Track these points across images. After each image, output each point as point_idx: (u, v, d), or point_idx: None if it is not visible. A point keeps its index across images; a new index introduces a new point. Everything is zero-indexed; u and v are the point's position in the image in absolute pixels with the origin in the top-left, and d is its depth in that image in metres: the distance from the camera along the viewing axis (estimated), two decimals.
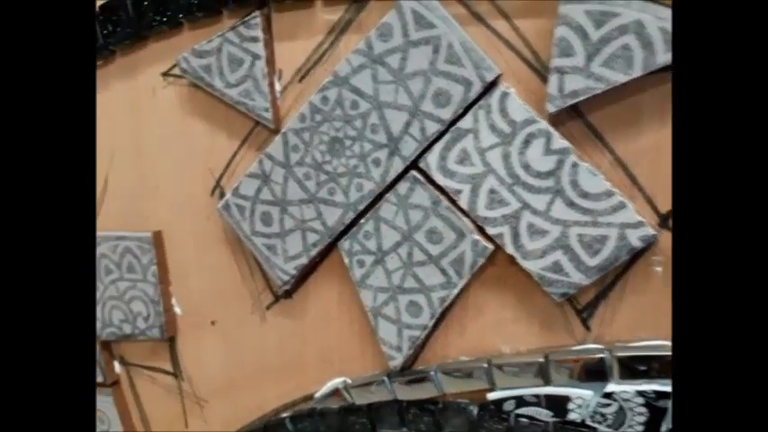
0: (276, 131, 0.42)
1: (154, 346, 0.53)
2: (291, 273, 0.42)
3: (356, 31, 0.39)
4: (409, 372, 0.41)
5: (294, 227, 0.42)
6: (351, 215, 0.40)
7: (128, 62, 0.48)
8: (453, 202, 0.37)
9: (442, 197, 0.37)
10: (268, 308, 0.46)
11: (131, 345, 0.55)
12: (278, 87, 0.42)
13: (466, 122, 0.36)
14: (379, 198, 0.39)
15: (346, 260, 0.40)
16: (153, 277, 0.50)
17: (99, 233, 0.51)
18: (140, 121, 0.48)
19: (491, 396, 0.38)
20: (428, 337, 0.40)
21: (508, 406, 0.38)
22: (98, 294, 0.53)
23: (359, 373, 0.44)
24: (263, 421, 0.49)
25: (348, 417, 0.44)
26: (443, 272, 0.37)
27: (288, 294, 0.45)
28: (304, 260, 0.42)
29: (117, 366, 0.56)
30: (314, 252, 0.41)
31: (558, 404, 0.37)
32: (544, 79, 0.36)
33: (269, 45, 0.41)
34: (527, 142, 0.35)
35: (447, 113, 0.36)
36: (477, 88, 0.35)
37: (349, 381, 0.44)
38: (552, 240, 0.35)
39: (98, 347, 0.55)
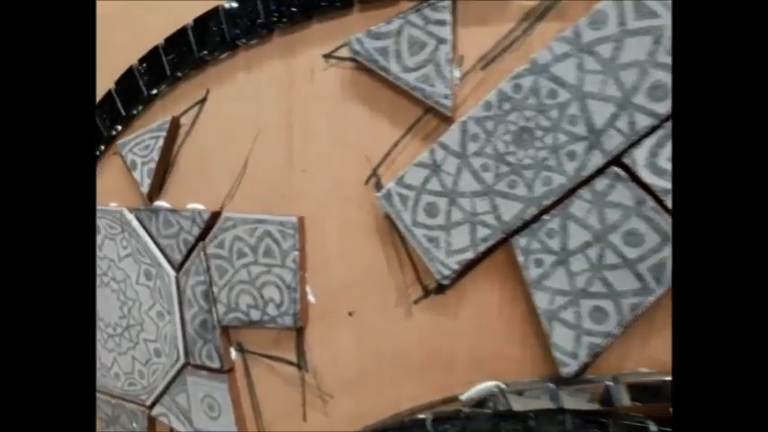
0: (450, 120, 0.40)
1: (277, 334, 0.51)
2: (453, 267, 0.40)
3: (555, 19, 0.36)
4: (581, 380, 0.38)
5: (462, 220, 0.39)
6: (532, 210, 0.37)
7: (286, 42, 0.46)
8: (660, 202, 0.34)
9: (647, 197, 0.34)
10: (416, 302, 0.44)
11: (251, 332, 0.53)
12: (456, 74, 0.40)
13: None
14: (568, 194, 0.36)
15: (521, 258, 0.38)
16: (293, 263, 0.48)
17: (234, 215, 0.49)
18: (293, 103, 0.46)
19: None
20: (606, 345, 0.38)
21: None
22: (226, 278, 0.51)
23: (513, 378, 0.42)
24: (396, 420, 0.46)
25: (500, 422, 0.42)
26: (639, 277, 0.35)
27: (440, 290, 0.43)
28: (470, 255, 0.39)
29: (233, 353, 0.55)
30: (483, 247, 0.39)
31: None
32: None
33: (453, 29, 0.39)
34: None
35: (663, 108, 0.33)
36: None
37: (503, 385, 0.42)
38: None
39: (218, 332, 0.53)
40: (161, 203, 0.54)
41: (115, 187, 0.58)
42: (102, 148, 0.58)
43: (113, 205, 0.58)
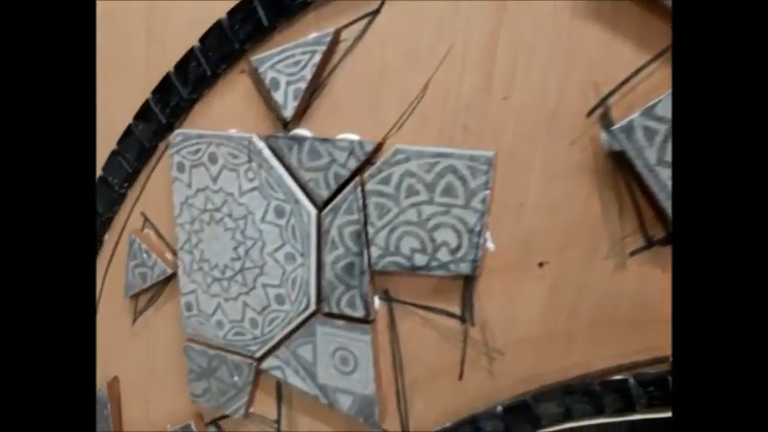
0: None
1: (437, 283, 0.46)
2: None
3: None
4: None
5: None
6: None
7: None
8: None
9: None
10: (632, 254, 0.39)
11: (402, 280, 0.47)
12: None
13: None
14: None
15: None
16: (481, 204, 0.42)
17: (408, 147, 0.42)
18: (505, 19, 0.39)
19: None
20: None
21: None
22: (387, 218, 0.45)
23: None
24: (583, 380, 0.42)
25: None
26: None
27: (668, 240, 0.38)
28: None
29: (376, 301, 0.49)
30: None
31: None
32: None
33: None
34: None
35: None
36: None
37: None
38: None
39: (367, 277, 0.47)
40: (301, 131, 0.47)
41: (239, 112, 0.50)
42: (224, 66, 0.49)
43: (233, 131, 0.50)
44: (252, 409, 0.58)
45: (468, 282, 0.44)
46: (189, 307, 0.56)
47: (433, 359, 0.47)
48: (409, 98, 0.43)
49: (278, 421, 0.57)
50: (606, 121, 0.37)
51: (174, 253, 0.57)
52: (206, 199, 0.52)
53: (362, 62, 0.44)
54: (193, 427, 0.61)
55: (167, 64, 0.51)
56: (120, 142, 0.56)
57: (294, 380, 0.52)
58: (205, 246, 0.53)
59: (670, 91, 0.34)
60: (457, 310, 0.45)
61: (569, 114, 0.38)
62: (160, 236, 0.58)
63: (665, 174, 0.35)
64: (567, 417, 0.43)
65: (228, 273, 0.53)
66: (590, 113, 0.38)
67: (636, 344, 0.40)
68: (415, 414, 0.49)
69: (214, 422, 0.62)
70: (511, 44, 0.39)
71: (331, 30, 0.43)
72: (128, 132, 0.55)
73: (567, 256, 0.40)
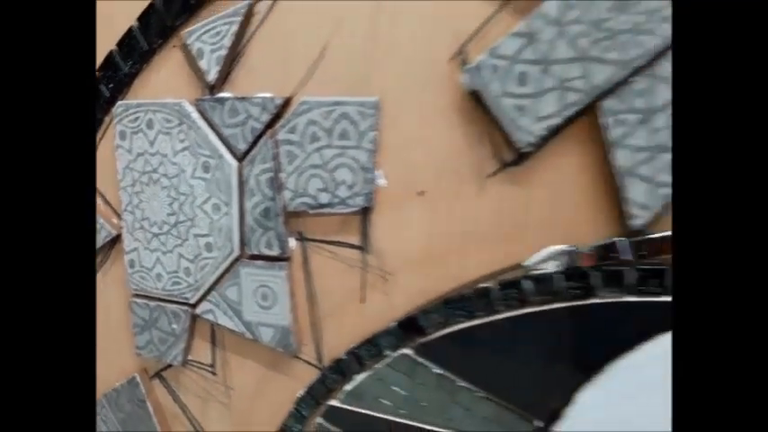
0: None
1: (342, 221, 0.49)
2: (540, 134, 0.40)
3: None
4: (649, 239, 0.39)
5: (553, 86, 0.39)
6: (623, 73, 0.38)
7: None
8: None
9: None
10: (490, 176, 0.44)
11: (313, 221, 0.50)
12: None
13: None
14: (659, 56, 0.37)
15: (605, 119, 0.38)
16: (370, 143, 0.46)
17: (310, 98, 0.47)
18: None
19: None
20: None
21: None
22: (295, 163, 0.48)
23: (585, 241, 0.42)
24: (459, 291, 0.46)
25: (563, 281, 0.42)
26: None
27: (517, 161, 0.42)
28: (557, 120, 0.39)
29: (292, 243, 0.52)
30: (570, 112, 0.39)
31: None
32: None
33: None
34: None
35: None
36: None
37: (574, 247, 0.42)
38: None
39: (281, 218, 0.51)
40: (224, 95, 0.51)
41: (172, 82, 0.54)
42: (159, 42, 0.54)
43: (167, 99, 0.54)
44: (190, 356, 0.59)
45: (365, 215, 0.48)
46: (132, 264, 0.59)
47: (339, 288, 0.50)
48: (312, 57, 0.47)
49: (212, 365, 0.59)
50: (464, 65, 0.42)
51: (120, 216, 0.60)
52: (145, 162, 0.55)
53: (273, 31, 0.49)
54: (138, 380, 0.62)
55: (112, 44, 0.55)
56: None
57: (223, 320, 0.55)
58: (145, 205, 0.56)
59: (510, 32, 0.40)
60: (357, 241, 0.49)
61: (439, 61, 0.43)
62: (107, 202, 0.61)
63: (508, 102, 0.40)
64: (446, 324, 0.46)
65: (165, 228, 0.55)
66: (452, 58, 0.43)
67: (500, 255, 0.44)
68: (328, 341, 0.52)
69: (158, 374, 0.63)
70: (392, 6, 0.44)
71: (246, 2, 0.48)
72: None
73: (440, 185, 0.44)
